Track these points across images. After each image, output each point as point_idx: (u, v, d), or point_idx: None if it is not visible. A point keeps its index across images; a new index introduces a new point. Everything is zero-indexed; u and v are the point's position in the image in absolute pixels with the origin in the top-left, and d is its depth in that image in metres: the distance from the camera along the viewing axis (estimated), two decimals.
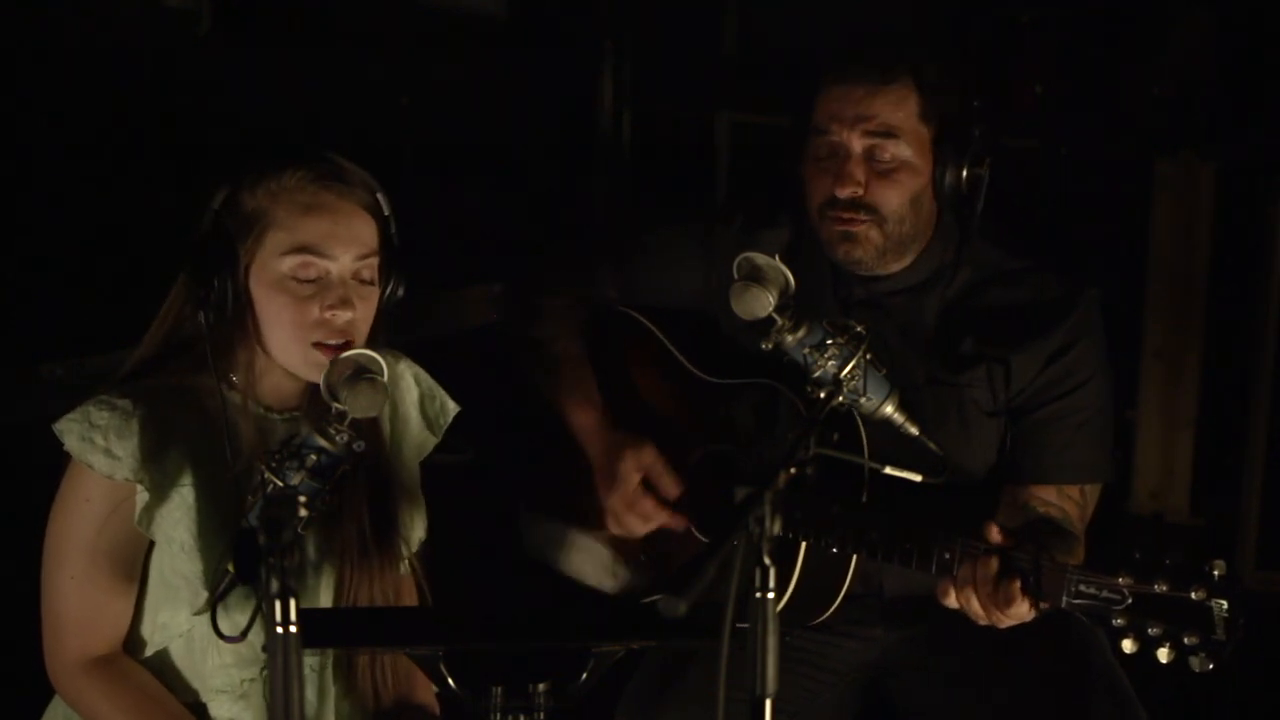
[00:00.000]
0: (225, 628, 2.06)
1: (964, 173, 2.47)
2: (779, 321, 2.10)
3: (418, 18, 4.79)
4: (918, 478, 2.20)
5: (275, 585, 1.73)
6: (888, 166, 2.46)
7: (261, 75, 4.25)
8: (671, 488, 2.55)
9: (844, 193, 2.45)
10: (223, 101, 4.12)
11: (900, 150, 2.45)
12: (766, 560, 1.73)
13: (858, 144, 2.45)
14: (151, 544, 2.19)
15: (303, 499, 1.91)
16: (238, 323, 2.17)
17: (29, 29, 3.83)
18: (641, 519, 2.56)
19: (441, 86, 4.78)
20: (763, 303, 2.08)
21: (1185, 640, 2.03)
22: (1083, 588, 2.11)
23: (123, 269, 3.78)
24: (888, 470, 2.22)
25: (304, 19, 4.49)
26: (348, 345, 2.12)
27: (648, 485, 2.57)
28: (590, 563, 2.70)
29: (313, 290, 2.15)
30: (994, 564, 2.17)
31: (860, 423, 2.32)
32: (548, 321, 2.73)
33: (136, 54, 4.04)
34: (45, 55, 3.85)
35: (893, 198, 2.46)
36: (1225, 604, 2.02)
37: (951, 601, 2.22)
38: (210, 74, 4.19)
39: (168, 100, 4.04)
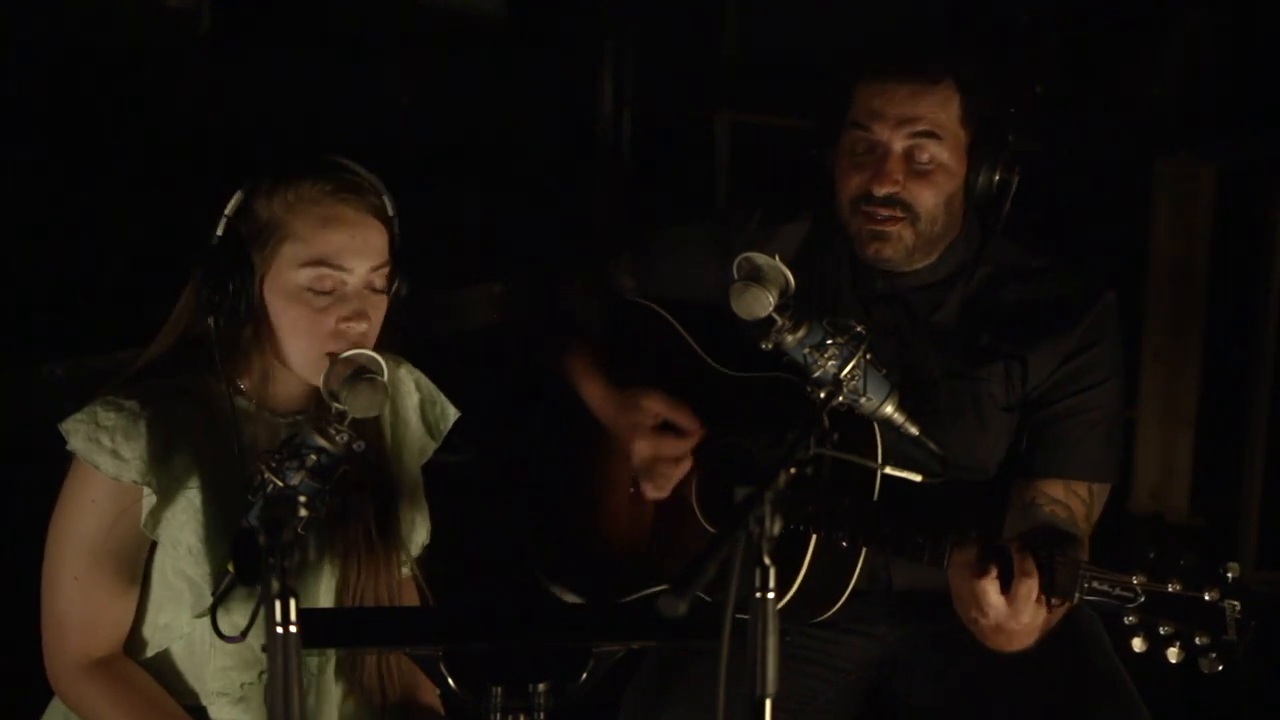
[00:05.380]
0: (227, 628, 2.06)
1: (996, 177, 2.47)
2: (779, 321, 2.10)
3: (418, 18, 4.79)
4: (917, 478, 2.21)
5: (275, 585, 1.73)
6: (925, 167, 2.46)
7: (262, 75, 4.25)
8: (689, 420, 2.55)
9: (882, 190, 2.45)
10: (223, 101, 4.13)
11: (940, 152, 2.45)
12: (766, 560, 1.73)
13: (899, 144, 2.45)
14: (154, 545, 2.19)
15: (303, 499, 1.92)
16: (250, 328, 2.17)
17: (29, 29, 3.83)
18: (670, 461, 2.55)
19: (441, 86, 4.79)
20: (763, 303, 2.09)
21: (1196, 640, 2.03)
22: (1095, 584, 2.11)
23: (123, 269, 3.79)
24: (888, 470, 2.22)
25: (304, 19, 4.49)
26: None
27: (665, 429, 2.56)
28: None
29: (328, 302, 2.15)
30: (1002, 562, 2.17)
31: (877, 428, 2.32)
32: (565, 300, 2.75)
33: (136, 54, 4.04)
34: (46, 55, 3.85)
35: (928, 197, 2.46)
36: (1238, 605, 2.03)
37: (995, 599, 2.19)
38: (210, 74, 4.19)
39: (168, 100, 4.04)
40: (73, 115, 3.89)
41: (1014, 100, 2.55)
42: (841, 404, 2.12)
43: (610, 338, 2.72)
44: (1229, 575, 2.04)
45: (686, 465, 2.55)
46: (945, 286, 2.56)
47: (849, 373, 2.10)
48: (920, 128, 2.45)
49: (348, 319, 2.14)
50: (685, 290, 2.70)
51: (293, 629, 1.72)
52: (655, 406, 2.56)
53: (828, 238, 2.58)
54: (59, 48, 3.88)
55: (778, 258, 2.10)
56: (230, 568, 1.99)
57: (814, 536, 2.35)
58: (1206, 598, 2.04)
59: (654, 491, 2.58)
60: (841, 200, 2.52)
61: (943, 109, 2.46)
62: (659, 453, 2.55)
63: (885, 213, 2.46)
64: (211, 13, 4.25)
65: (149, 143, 3.96)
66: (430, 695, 2.39)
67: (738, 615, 1.67)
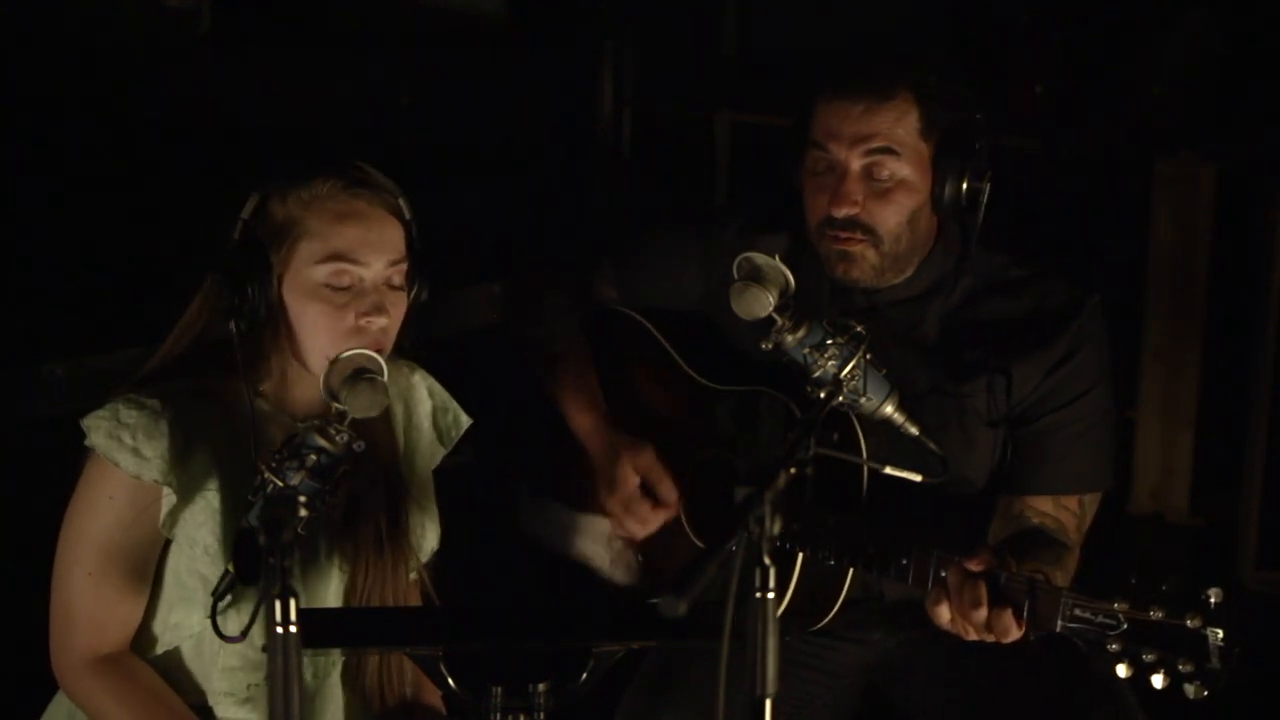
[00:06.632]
0: (235, 629, 2.06)
1: (964, 187, 2.44)
2: (779, 321, 2.10)
3: (418, 18, 4.80)
4: (918, 478, 2.20)
5: (275, 585, 1.73)
6: (885, 185, 2.43)
7: (261, 75, 4.25)
8: (669, 492, 2.55)
9: (840, 212, 2.43)
10: (222, 101, 4.13)
11: (899, 168, 2.42)
12: (766, 560, 1.73)
13: (856, 163, 2.42)
14: (167, 543, 2.19)
15: (303, 499, 1.91)
16: (269, 331, 2.18)
17: (29, 29, 3.83)
18: (639, 522, 2.56)
19: (441, 86, 4.79)
20: (763, 303, 2.08)
21: (1180, 668, 2.02)
22: (1078, 612, 2.10)
23: (123, 269, 3.78)
24: (888, 470, 2.21)
25: (304, 19, 4.49)
26: (379, 352, 2.12)
27: (646, 489, 2.57)
28: (590, 543, 2.69)
29: (347, 298, 2.16)
30: (987, 589, 2.16)
31: (858, 426, 2.32)
32: (549, 321, 2.73)
33: (136, 54, 4.04)
34: (45, 55, 3.85)
35: (889, 217, 2.44)
36: (1220, 633, 2.01)
37: (944, 618, 2.21)
38: (210, 74, 4.19)
39: (168, 100, 4.04)
40: (72, 115, 3.89)
41: (980, 106, 2.50)
42: (842, 404, 2.11)
43: (594, 350, 2.71)
44: (1211, 601, 2.02)
45: (653, 529, 2.56)
46: (924, 300, 2.53)
47: (849, 373, 2.09)
48: (876, 144, 2.41)
49: (367, 314, 2.15)
50: (668, 299, 2.69)
51: (293, 629, 1.72)
52: (642, 466, 2.55)
53: (805, 251, 2.56)
54: (59, 48, 3.88)
55: (777, 258, 2.10)
56: (230, 568, 1.99)
57: (800, 554, 2.35)
58: (1189, 624, 2.02)
59: (616, 530, 2.60)
60: (809, 222, 2.50)
61: (899, 124, 2.42)
62: (630, 512, 2.56)
63: (846, 234, 2.44)
64: (211, 13, 4.25)
65: (148, 142, 3.96)
66: (433, 696, 2.39)
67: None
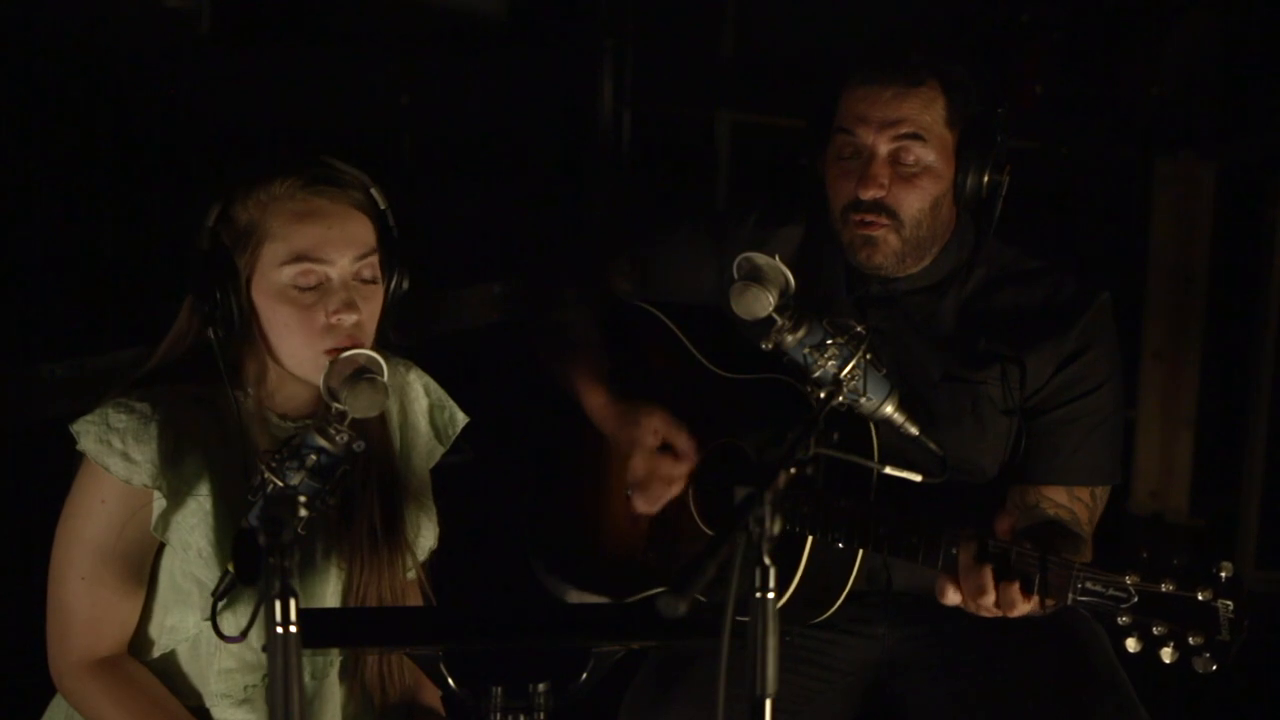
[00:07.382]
0: (233, 630, 2.06)
1: (985, 179, 2.46)
2: (779, 321, 2.11)
3: (418, 18, 4.79)
4: (917, 478, 2.21)
5: (275, 585, 1.73)
6: (911, 170, 2.45)
7: (261, 75, 4.25)
8: (686, 444, 2.54)
9: (867, 194, 2.45)
10: (222, 102, 4.13)
11: (925, 154, 2.45)
12: (766, 560, 1.73)
13: (884, 147, 2.45)
14: (161, 546, 2.19)
15: (303, 499, 1.91)
16: (246, 335, 2.17)
17: (29, 29, 3.83)
18: (664, 481, 2.55)
19: (441, 86, 4.79)
20: (763, 303, 2.09)
21: (1190, 640, 2.04)
22: (1089, 585, 2.12)
23: (122, 269, 3.79)
24: (888, 470, 2.22)
25: (304, 19, 4.50)
26: (356, 347, 2.12)
27: (663, 447, 2.57)
28: None
29: (315, 297, 2.15)
30: (998, 562, 2.17)
31: (872, 425, 2.32)
32: (564, 308, 2.74)
33: (136, 54, 4.04)
34: (45, 55, 3.85)
35: (913, 202, 2.46)
36: (1231, 605, 2.03)
37: (951, 599, 2.22)
38: (210, 74, 4.19)
39: (167, 100, 4.04)
40: (72, 115, 3.89)
41: (1003, 100, 2.53)
42: (841, 404, 2.12)
43: (608, 342, 2.72)
44: (1222, 575, 2.05)
45: (680, 486, 2.55)
46: (940, 290, 2.56)
47: (849, 373, 2.10)
48: (904, 130, 2.44)
49: (337, 311, 2.14)
50: (682, 292, 2.70)
51: (293, 629, 1.72)
52: (656, 425, 2.55)
53: (822, 242, 2.58)
54: (59, 48, 3.88)
55: (777, 257, 2.10)
56: (230, 568, 2.00)
57: (810, 538, 2.35)
58: (1200, 598, 2.04)
59: (644, 507, 2.57)
60: (833, 209, 2.52)
61: (926, 110, 2.45)
62: (655, 472, 2.54)
63: (871, 218, 2.46)
64: (211, 13, 4.25)
65: (149, 143, 3.96)
66: (432, 696, 2.39)
67: (738, 618, 1.67)
